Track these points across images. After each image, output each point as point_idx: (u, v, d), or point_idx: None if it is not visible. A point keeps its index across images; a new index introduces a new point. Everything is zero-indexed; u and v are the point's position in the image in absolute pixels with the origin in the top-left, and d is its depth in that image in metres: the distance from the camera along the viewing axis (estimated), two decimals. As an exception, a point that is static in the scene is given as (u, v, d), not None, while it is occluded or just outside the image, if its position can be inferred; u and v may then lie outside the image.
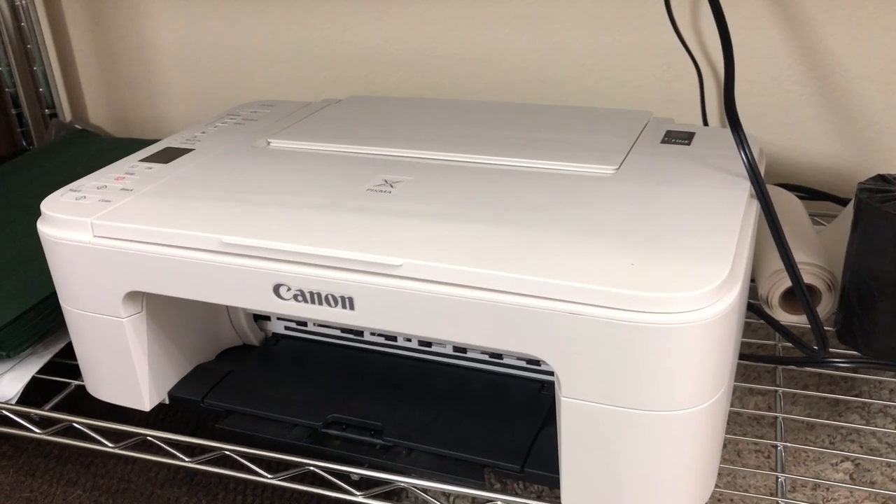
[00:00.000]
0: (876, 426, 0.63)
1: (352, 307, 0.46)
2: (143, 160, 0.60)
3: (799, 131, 0.78)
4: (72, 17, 1.01)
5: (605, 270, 0.41)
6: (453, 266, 0.43)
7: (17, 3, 0.96)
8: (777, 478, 0.50)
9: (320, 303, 0.46)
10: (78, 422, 0.58)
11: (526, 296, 0.42)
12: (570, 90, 0.84)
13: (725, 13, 0.76)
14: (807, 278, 0.60)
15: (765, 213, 0.48)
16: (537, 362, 0.55)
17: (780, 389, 0.59)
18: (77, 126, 1.03)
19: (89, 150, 0.92)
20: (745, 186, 0.51)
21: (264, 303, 0.48)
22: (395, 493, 0.57)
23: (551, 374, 0.54)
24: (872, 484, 0.58)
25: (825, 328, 0.52)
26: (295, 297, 0.47)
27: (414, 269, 0.44)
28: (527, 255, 0.43)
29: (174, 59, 0.99)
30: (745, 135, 0.49)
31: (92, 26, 1.00)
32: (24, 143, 1.03)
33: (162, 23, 0.97)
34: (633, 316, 0.39)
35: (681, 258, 0.42)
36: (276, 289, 0.47)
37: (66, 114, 1.05)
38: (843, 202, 0.75)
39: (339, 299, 0.46)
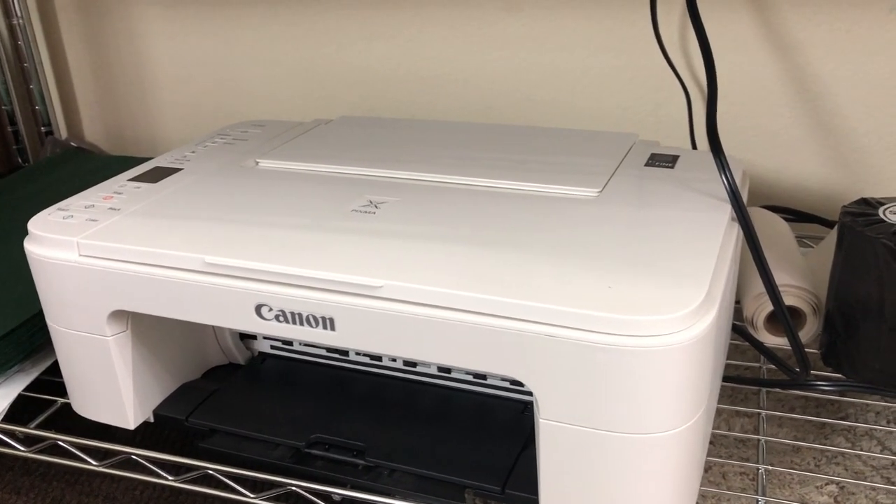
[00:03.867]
0: (861, 449, 0.63)
1: (332, 328, 0.46)
2: (132, 179, 0.60)
3: (787, 153, 0.79)
4: (68, 35, 1.01)
5: (582, 293, 0.42)
6: (433, 287, 0.43)
7: (14, 21, 0.97)
8: (757, 501, 0.50)
9: (301, 323, 0.47)
10: (63, 440, 0.58)
11: (504, 318, 0.42)
12: (560, 112, 0.85)
13: (713, 36, 0.77)
14: (791, 301, 0.60)
15: (745, 236, 0.48)
16: (521, 383, 0.55)
17: (764, 412, 0.59)
18: (73, 144, 1.03)
19: (84, 168, 0.93)
20: (727, 209, 0.51)
21: (246, 323, 0.48)
22: (378, 513, 0.57)
23: (533, 395, 0.54)
24: (857, 507, 0.58)
25: (811, 351, 0.53)
26: (276, 317, 0.47)
27: (394, 291, 0.44)
28: (506, 277, 0.43)
29: (170, 78, 0.99)
30: (726, 159, 0.50)
31: (88, 45, 1.01)
32: (20, 160, 1.04)
33: (158, 42, 0.98)
34: (608, 339, 0.40)
35: (658, 281, 0.42)
36: (258, 309, 0.47)
37: (62, 131, 1.06)
38: (830, 224, 0.75)
39: (320, 320, 0.46)
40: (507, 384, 0.56)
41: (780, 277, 0.60)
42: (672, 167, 0.59)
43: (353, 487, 0.52)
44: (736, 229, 0.51)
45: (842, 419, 0.65)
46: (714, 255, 0.45)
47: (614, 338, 0.39)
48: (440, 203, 0.53)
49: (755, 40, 0.76)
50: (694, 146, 0.80)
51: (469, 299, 0.43)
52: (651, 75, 0.80)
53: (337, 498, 0.52)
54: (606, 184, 0.55)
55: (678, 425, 0.42)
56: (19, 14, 0.97)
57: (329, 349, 0.60)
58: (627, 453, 0.42)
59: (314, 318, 0.46)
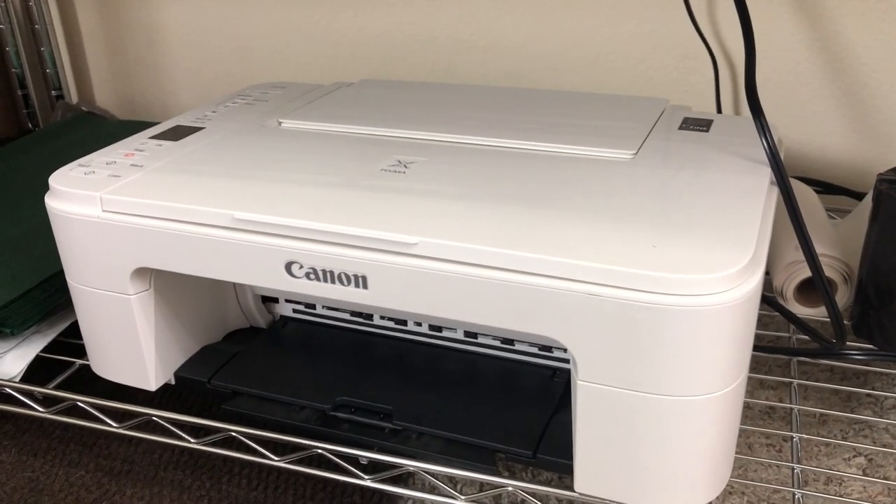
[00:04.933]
0: (889, 421, 0.62)
1: (365, 286, 0.45)
2: (153, 137, 0.59)
3: (815, 125, 0.77)
4: (80, -3, 1.00)
5: (624, 251, 0.41)
6: (469, 245, 0.42)
7: (26, -18, 0.96)
8: (793, 469, 0.49)
9: (333, 281, 0.45)
10: (82, 400, 0.57)
11: (543, 276, 0.41)
12: (583, 79, 0.83)
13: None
14: (824, 270, 0.59)
15: (785, 201, 0.47)
16: (549, 348, 0.54)
17: (795, 381, 0.58)
18: (83, 108, 1.02)
19: (95, 133, 0.91)
20: (766, 173, 0.50)
21: (275, 280, 0.47)
22: (403, 477, 0.57)
23: (564, 360, 0.54)
24: (885, 479, 0.57)
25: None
26: (307, 275, 0.46)
27: (429, 248, 0.43)
28: (544, 235, 0.42)
29: (182, 43, 0.98)
30: (766, 121, 0.49)
31: (100, 7, 0.99)
32: (30, 124, 1.02)
33: (171, 5, 0.96)
34: (654, 298, 0.39)
35: (703, 241, 0.41)
36: (288, 266, 0.46)
37: (73, 96, 1.04)
38: (858, 196, 0.74)
39: (353, 278, 0.45)
40: (535, 349, 0.55)
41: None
42: (706, 131, 0.57)
43: (380, 451, 0.51)
44: (774, 194, 0.50)
45: (869, 391, 0.64)
46: (759, 216, 0.44)
47: (660, 297, 0.38)
48: (472, 164, 0.52)
49: (784, 9, 0.74)
50: (720, 113, 0.79)
51: (507, 257, 0.41)
52: (676, 43, 0.79)
53: (363, 461, 0.51)
54: (641, 146, 0.54)
55: (722, 388, 0.41)
56: (30, -26, 0.95)
57: (352, 313, 0.59)
58: (669, 416, 0.41)
59: (346, 275, 0.45)
